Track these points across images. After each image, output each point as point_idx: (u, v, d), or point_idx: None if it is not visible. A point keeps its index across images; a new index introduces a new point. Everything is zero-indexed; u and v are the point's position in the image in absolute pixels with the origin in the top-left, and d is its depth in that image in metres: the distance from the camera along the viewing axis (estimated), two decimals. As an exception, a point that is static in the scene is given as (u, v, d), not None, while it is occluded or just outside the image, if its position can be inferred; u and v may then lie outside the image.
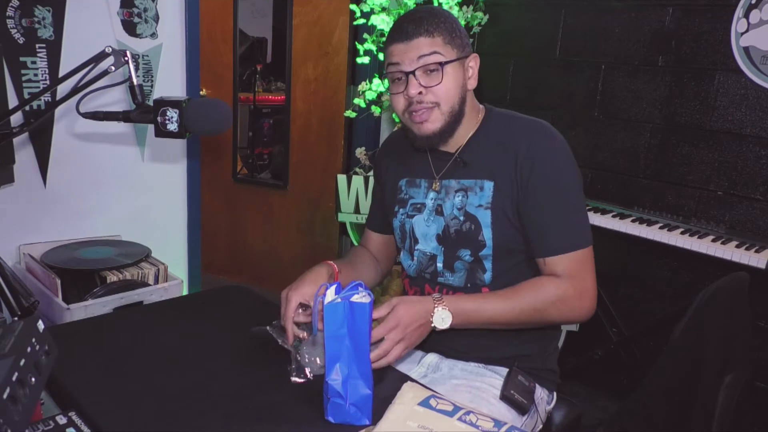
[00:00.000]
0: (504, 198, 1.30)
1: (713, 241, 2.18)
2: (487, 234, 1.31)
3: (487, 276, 1.34)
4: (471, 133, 1.37)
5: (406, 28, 1.27)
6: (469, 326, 1.27)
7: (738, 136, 2.33)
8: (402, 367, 1.35)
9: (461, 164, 1.36)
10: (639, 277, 2.63)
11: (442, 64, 1.26)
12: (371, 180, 2.88)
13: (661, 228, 2.31)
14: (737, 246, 2.13)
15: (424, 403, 0.98)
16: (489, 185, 1.32)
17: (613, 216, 2.43)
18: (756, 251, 2.07)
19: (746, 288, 1.43)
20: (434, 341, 1.42)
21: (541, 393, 1.39)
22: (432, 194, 1.40)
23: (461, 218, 1.34)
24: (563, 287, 1.27)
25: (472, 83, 1.34)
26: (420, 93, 1.27)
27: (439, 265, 1.39)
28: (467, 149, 1.36)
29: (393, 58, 1.28)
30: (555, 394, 1.46)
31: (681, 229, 2.29)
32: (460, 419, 0.94)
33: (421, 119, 1.30)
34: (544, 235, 1.29)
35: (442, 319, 1.22)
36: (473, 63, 1.34)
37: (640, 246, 2.44)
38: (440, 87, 1.27)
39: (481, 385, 1.33)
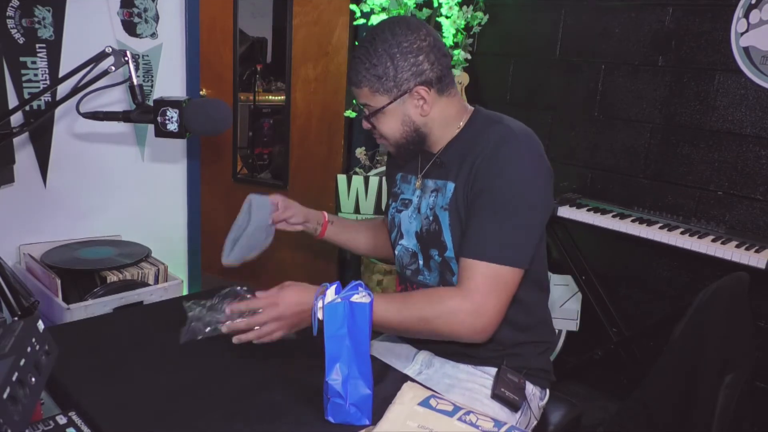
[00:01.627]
0: (459, 200, 1.30)
1: (713, 241, 2.18)
2: (446, 235, 1.32)
3: (455, 278, 1.33)
4: (453, 137, 1.36)
5: (348, 70, 1.35)
6: None
7: (738, 136, 2.33)
8: (398, 365, 1.36)
9: (439, 164, 1.37)
10: (639, 277, 2.63)
11: (369, 116, 1.32)
12: (371, 180, 2.88)
13: (661, 228, 2.31)
14: (737, 246, 2.13)
15: (424, 403, 0.98)
16: (451, 187, 1.32)
17: (613, 216, 2.43)
18: (756, 251, 2.07)
19: (746, 288, 1.43)
20: (423, 340, 1.43)
21: (532, 389, 1.39)
22: (418, 192, 1.42)
23: (431, 218, 1.36)
24: (459, 300, 1.20)
25: (426, 110, 1.30)
26: (368, 126, 1.37)
27: (420, 262, 1.41)
28: (446, 150, 1.37)
29: None
30: (548, 390, 1.46)
31: (681, 229, 2.29)
32: (460, 419, 0.94)
33: (379, 143, 1.41)
34: (468, 236, 1.25)
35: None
36: (422, 94, 1.28)
37: (640, 246, 2.44)
38: (378, 130, 1.34)
39: (473, 386, 1.34)
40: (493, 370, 1.36)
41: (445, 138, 1.36)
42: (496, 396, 1.29)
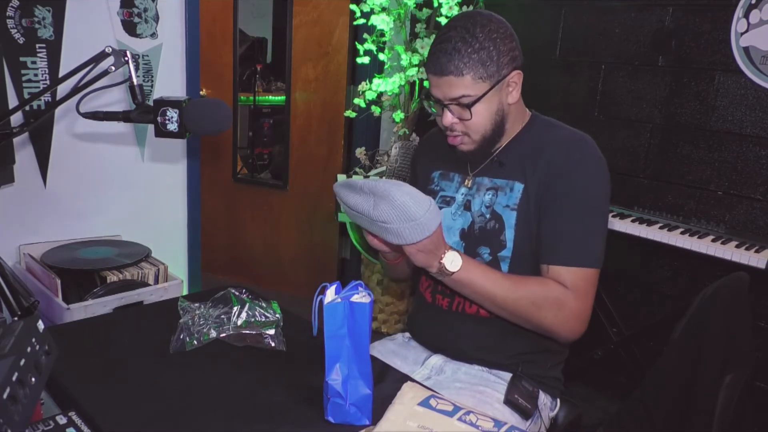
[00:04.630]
0: (531, 202, 1.30)
1: (713, 241, 2.18)
2: (509, 235, 1.31)
3: None
4: (512, 137, 1.37)
5: (438, 59, 1.25)
6: (466, 289, 1.23)
7: (738, 136, 2.33)
8: (404, 368, 1.35)
9: (497, 164, 1.36)
10: (639, 277, 2.63)
11: (470, 105, 1.26)
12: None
13: (661, 228, 2.31)
14: (737, 246, 2.13)
15: (424, 403, 0.98)
16: (519, 187, 1.32)
17: (613, 216, 2.43)
18: (756, 251, 2.07)
19: (746, 288, 1.43)
20: (441, 339, 1.42)
21: (544, 399, 1.38)
22: (463, 189, 1.40)
23: (487, 216, 1.34)
24: (567, 294, 1.24)
25: (514, 97, 1.31)
26: (453, 122, 1.30)
27: None
28: (505, 150, 1.37)
29: (430, 84, 1.31)
30: (558, 400, 1.45)
31: (681, 229, 2.29)
32: (460, 419, 0.94)
33: (454, 143, 1.34)
34: (556, 243, 1.27)
35: (452, 261, 1.18)
36: (516, 79, 1.30)
37: (640, 246, 2.44)
38: (469, 122, 1.29)
39: (485, 389, 1.33)
40: (508, 375, 1.35)
41: (506, 136, 1.36)
42: (508, 402, 1.28)
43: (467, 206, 1.38)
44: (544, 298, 1.24)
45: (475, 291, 1.23)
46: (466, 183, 1.41)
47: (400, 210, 1.06)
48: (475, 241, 1.35)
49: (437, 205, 1.40)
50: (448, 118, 1.30)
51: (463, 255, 1.21)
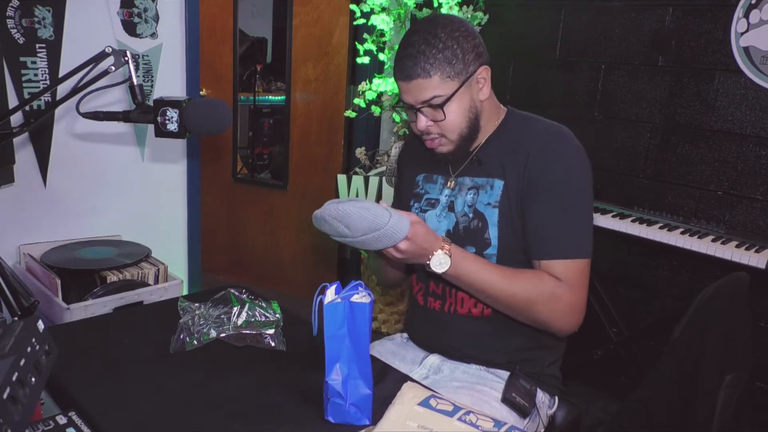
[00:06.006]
0: (512, 197, 1.30)
1: (713, 241, 2.18)
2: (492, 233, 1.31)
3: None
4: (489, 134, 1.37)
5: (404, 64, 1.26)
6: (459, 284, 1.25)
7: (738, 136, 2.33)
8: (403, 368, 1.35)
9: (476, 162, 1.37)
10: (639, 277, 2.63)
11: (442, 105, 1.26)
12: (371, 180, 2.87)
13: (661, 228, 2.31)
14: (737, 246, 2.13)
15: (424, 403, 0.98)
16: (499, 184, 1.32)
17: (613, 216, 2.43)
18: (756, 251, 2.07)
19: (746, 288, 1.43)
20: (437, 340, 1.42)
21: (542, 397, 1.39)
22: (446, 191, 1.41)
23: (470, 215, 1.35)
24: (561, 287, 1.24)
25: (485, 93, 1.32)
26: (428, 125, 1.30)
27: None
28: (484, 148, 1.37)
29: (400, 92, 1.31)
30: (557, 398, 1.46)
31: (681, 229, 2.29)
32: (460, 419, 0.94)
33: (432, 146, 1.34)
34: (543, 237, 1.27)
35: (440, 263, 1.19)
36: (484, 74, 1.30)
37: (640, 246, 2.44)
38: (444, 123, 1.29)
39: (482, 388, 1.33)
40: (506, 374, 1.35)
41: (483, 134, 1.37)
42: (506, 400, 1.28)
43: (451, 207, 1.39)
44: (539, 292, 1.24)
45: (469, 285, 1.24)
46: (448, 184, 1.41)
47: (368, 218, 1.15)
48: (461, 241, 1.35)
49: (423, 208, 1.43)
50: (422, 122, 1.30)
51: (457, 250, 1.21)
